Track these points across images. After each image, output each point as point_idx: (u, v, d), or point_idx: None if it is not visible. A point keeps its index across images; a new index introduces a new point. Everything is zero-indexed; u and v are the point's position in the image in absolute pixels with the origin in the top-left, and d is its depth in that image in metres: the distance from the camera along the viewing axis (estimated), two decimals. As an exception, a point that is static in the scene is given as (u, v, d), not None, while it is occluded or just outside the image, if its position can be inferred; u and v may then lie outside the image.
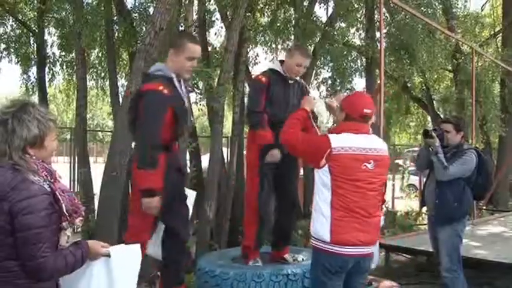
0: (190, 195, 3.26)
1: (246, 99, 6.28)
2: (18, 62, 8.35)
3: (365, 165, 2.58)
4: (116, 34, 6.85)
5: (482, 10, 11.97)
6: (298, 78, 3.69)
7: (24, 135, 1.78)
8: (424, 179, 4.38)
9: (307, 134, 2.93)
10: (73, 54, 7.51)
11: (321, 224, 2.60)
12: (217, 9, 7.57)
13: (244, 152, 5.62)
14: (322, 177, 2.61)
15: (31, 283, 1.78)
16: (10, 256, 1.74)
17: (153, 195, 2.80)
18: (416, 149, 4.49)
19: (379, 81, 6.01)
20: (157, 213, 2.86)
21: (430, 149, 3.84)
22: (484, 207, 9.31)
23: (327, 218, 2.58)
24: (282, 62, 3.68)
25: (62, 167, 10.77)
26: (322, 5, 8.32)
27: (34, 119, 1.81)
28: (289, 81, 3.60)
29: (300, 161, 3.68)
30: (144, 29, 6.23)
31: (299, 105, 3.60)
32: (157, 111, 2.84)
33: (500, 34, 11.52)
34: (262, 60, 9.00)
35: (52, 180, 1.84)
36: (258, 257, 3.56)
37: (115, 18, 6.63)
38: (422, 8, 8.36)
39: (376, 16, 8.45)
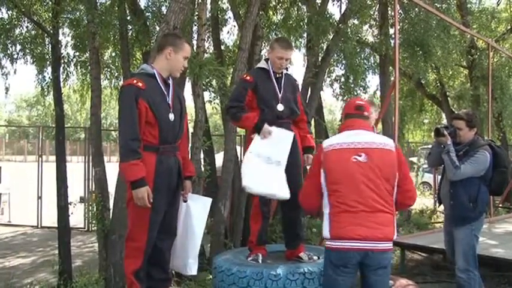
0: (205, 202, 3.23)
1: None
2: (33, 62, 8.40)
3: (355, 158, 2.65)
4: (130, 34, 6.88)
5: (498, 5, 11.77)
6: (285, 71, 3.66)
7: None
8: (439, 177, 4.30)
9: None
10: (87, 54, 7.56)
11: (324, 223, 2.73)
12: (229, 7, 7.58)
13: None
14: (321, 178, 2.75)
15: None
16: None
17: (141, 185, 2.76)
18: (431, 146, 4.43)
19: (393, 78, 5.96)
20: (147, 204, 2.77)
21: (443, 147, 3.75)
22: (501, 205, 9.19)
23: (326, 215, 2.71)
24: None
25: (77, 166, 10.89)
26: (336, 2, 8.28)
27: None
28: (277, 76, 3.56)
29: (303, 158, 3.63)
30: (157, 28, 6.26)
31: (290, 98, 3.59)
32: (129, 104, 2.84)
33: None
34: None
35: None
36: (260, 253, 3.53)
37: (128, 17, 6.67)
38: (436, 4, 8.27)
39: (389, 12, 8.38)
